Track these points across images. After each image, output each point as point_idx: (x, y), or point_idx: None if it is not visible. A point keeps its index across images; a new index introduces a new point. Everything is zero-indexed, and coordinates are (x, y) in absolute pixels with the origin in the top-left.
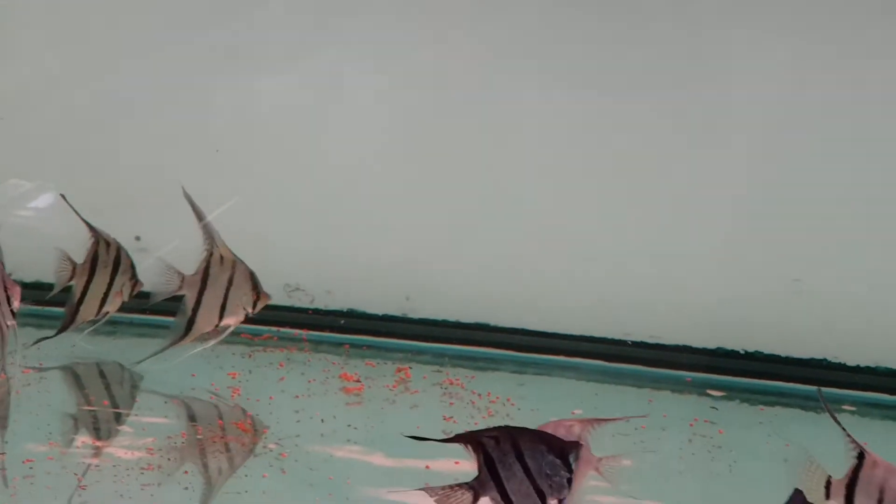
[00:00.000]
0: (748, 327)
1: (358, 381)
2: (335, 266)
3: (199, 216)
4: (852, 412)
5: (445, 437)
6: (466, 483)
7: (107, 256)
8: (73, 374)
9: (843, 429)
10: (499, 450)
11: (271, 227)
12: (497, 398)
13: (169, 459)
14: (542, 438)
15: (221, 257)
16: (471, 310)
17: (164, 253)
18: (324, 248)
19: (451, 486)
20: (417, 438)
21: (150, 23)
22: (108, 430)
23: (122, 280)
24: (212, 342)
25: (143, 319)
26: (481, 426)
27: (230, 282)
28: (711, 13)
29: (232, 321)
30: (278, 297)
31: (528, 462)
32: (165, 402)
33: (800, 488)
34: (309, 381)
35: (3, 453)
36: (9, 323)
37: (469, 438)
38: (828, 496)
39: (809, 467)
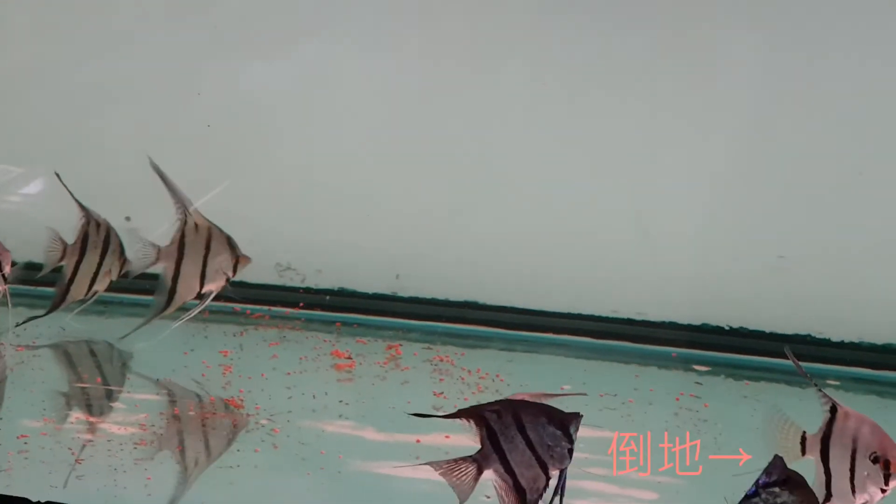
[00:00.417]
0: (733, 303)
1: (349, 358)
2: (326, 246)
3: (169, 186)
4: (836, 387)
5: (446, 413)
6: (470, 456)
7: (97, 237)
8: (65, 353)
9: (815, 384)
10: (501, 423)
11: (262, 208)
12: (486, 374)
13: (161, 435)
14: (542, 411)
15: (196, 225)
16: (460, 288)
17: (156, 236)
18: (314, 229)
19: (455, 460)
20: (421, 415)
21: (139, 8)
22: (101, 406)
23: (111, 260)
24: (198, 310)
25: (132, 299)
26: (472, 402)
27: (207, 248)
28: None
29: (214, 287)
30: (270, 277)
31: (529, 434)
32: (158, 380)
33: (778, 453)
34: (301, 359)
35: None
36: (1, 287)
37: (471, 413)
38: (804, 452)
39: (783, 425)
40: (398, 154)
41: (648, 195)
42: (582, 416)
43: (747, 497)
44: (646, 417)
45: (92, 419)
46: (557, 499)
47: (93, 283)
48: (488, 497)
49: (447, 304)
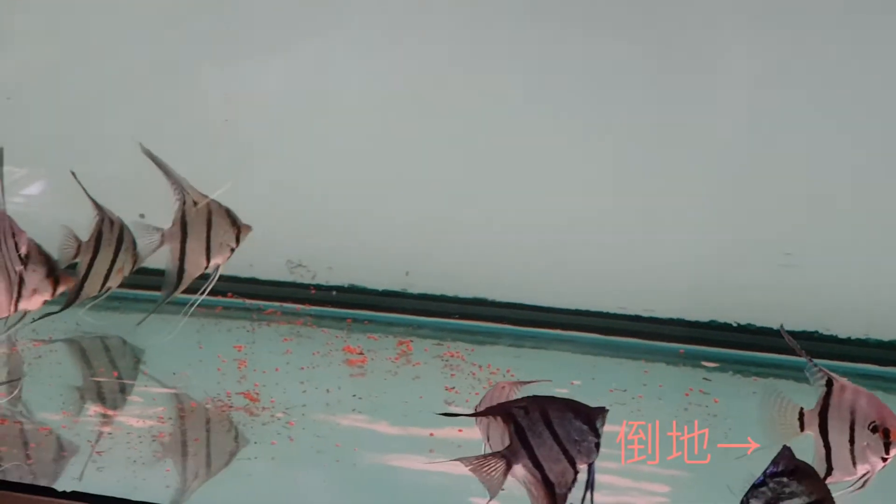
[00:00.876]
0: (741, 300)
1: (361, 353)
2: (336, 243)
3: (163, 169)
4: None
5: (473, 411)
6: (499, 452)
7: (111, 234)
8: (80, 348)
9: (810, 359)
10: (528, 419)
11: (273, 205)
12: (497, 370)
13: (179, 428)
14: (569, 406)
15: (196, 203)
16: (469, 285)
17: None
18: (325, 226)
19: (484, 456)
20: (449, 415)
21: (149, 7)
22: (119, 400)
23: (125, 257)
24: (210, 284)
25: (146, 295)
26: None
27: (208, 223)
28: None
29: (220, 260)
30: (281, 274)
31: (556, 429)
32: (174, 374)
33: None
34: (313, 354)
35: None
36: (17, 268)
37: (499, 410)
38: (802, 428)
39: (780, 402)
40: (408, 150)
41: (656, 191)
42: (608, 410)
43: (755, 487)
44: (656, 412)
45: (111, 412)
46: (589, 493)
47: (106, 280)
48: None
49: (457, 300)
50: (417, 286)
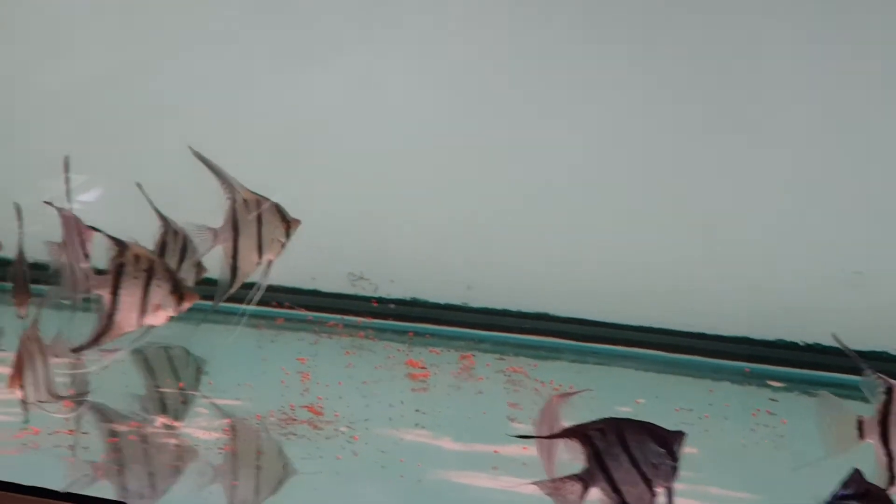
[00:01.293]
0: (807, 319)
1: (423, 367)
2: (398, 255)
3: (213, 169)
4: None
5: (548, 433)
6: (576, 475)
7: (175, 245)
8: (144, 358)
9: (868, 368)
10: (605, 441)
11: (335, 217)
12: (560, 386)
13: (245, 441)
14: (645, 429)
15: (245, 200)
16: (531, 299)
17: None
18: (387, 238)
19: (561, 479)
20: (524, 437)
21: (197, 20)
22: (185, 411)
23: (188, 267)
24: (265, 281)
25: (206, 305)
26: None
27: (258, 220)
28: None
29: (272, 255)
30: (343, 286)
31: (633, 452)
32: (238, 385)
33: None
34: (375, 368)
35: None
36: (83, 265)
37: (576, 432)
38: (862, 436)
39: (837, 411)
40: (471, 163)
41: (720, 209)
42: (686, 434)
43: None
44: (723, 433)
45: (177, 423)
46: None
47: None
48: None
49: (518, 315)
50: (479, 300)
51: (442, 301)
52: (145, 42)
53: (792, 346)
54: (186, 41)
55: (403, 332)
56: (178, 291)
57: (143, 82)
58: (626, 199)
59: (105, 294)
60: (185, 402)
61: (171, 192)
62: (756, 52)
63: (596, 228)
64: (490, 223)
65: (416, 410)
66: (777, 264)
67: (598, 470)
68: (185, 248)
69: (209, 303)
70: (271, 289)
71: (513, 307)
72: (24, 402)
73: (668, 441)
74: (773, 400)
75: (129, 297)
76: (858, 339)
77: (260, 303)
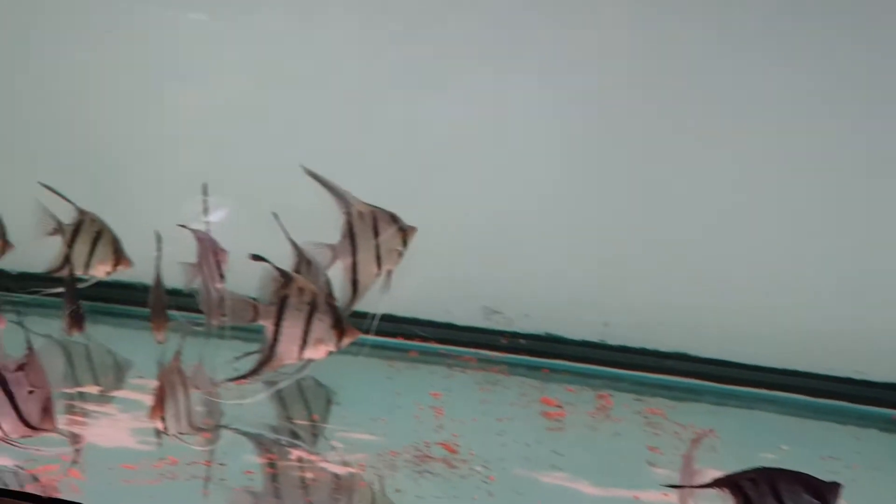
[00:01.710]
0: None
1: (559, 406)
2: (534, 290)
3: (326, 185)
4: None
5: (694, 481)
6: None
7: (307, 276)
8: (277, 389)
9: None
10: (757, 491)
11: (470, 249)
12: (699, 430)
13: (381, 476)
14: (799, 479)
15: (361, 213)
16: (669, 339)
17: None
18: (522, 272)
19: None
20: (675, 486)
21: (318, 45)
22: (321, 444)
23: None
24: (386, 291)
25: None
26: None
27: (375, 231)
28: None
29: (391, 265)
30: (477, 320)
31: (786, 503)
32: (372, 420)
33: None
34: (510, 405)
35: (209, 462)
36: (218, 286)
37: (727, 482)
38: None
39: None
40: (606, 196)
41: (867, 246)
42: (842, 486)
43: None
44: (875, 485)
45: (313, 456)
46: None
47: None
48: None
49: (657, 354)
50: (616, 337)
51: (578, 337)
52: (272, 67)
53: None
54: (309, 66)
55: (538, 368)
56: (340, 326)
57: (269, 106)
58: (768, 241)
59: (269, 325)
60: (317, 434)
61: (301, 214)
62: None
63: (735, 269)
64: (628, 259)
65: (553, 451)
66: None
67: None
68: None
69: None
70: (404, 321)
71: (651, 346)
72: (163, 433)
73: (823, 493)
74: None
75: (292, 329)
76: None
77: (392, 334)
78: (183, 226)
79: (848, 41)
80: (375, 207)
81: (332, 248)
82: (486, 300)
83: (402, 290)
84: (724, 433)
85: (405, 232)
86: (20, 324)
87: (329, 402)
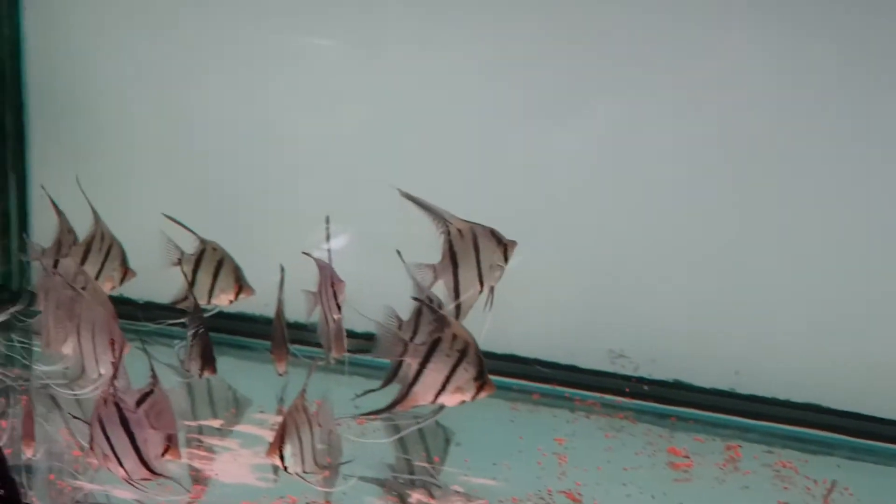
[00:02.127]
0: None
1: (686, 456)
2: (661, 335)
3: (422, 206)
4: None
5: None
6: None
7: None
8: (395, 428)
9: None
10: None
11: (595, 290)
12: (833, 486)
13: None
14: None
15: (460, 231)
16: (802, 389)
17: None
18: (650, 316)
19: None
20: None
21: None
22: (442, 489)
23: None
24: (489, 306)
25: None
26: None
27: (476, 248)
28: None
29: (493, 282)
30: (602, 363)
31: None
32: (494, 464)
33: None
34: (636, 453)
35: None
36: (336, 316)
37: None
38: None
39: None
40: (742, 240)
41: None
42: None
43: None
44: None
45: (433, 501)
46: None
47: None
48: None
49: (788, 405)
50: (746, 387)
51: (707, 385)
52: (399, 99)
53: None
54: (433, 96)
55: (665, 415)
56: (482, 380)
57: (395, 138)
58: None
59: (414, 364)
60: (438, 476)
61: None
62: None
63: (876, 320)
64: (760, 307)
65: (679, 503)
66: None
67: None
68: (440, 316)
69: None
70: (527, 361)
71: (782, 396)
72: (281, 470)
73: None
74: None
75: (436, 372)
76: None
77: (516, 375)
78: (307, 254)
79: None
80: (474, 224)
81: (433, 267)
82: (611, 343)
83: (525, 330)
84: (858, 490)
85: (506, 247)
86: (146, 351)
87: (449, 443)
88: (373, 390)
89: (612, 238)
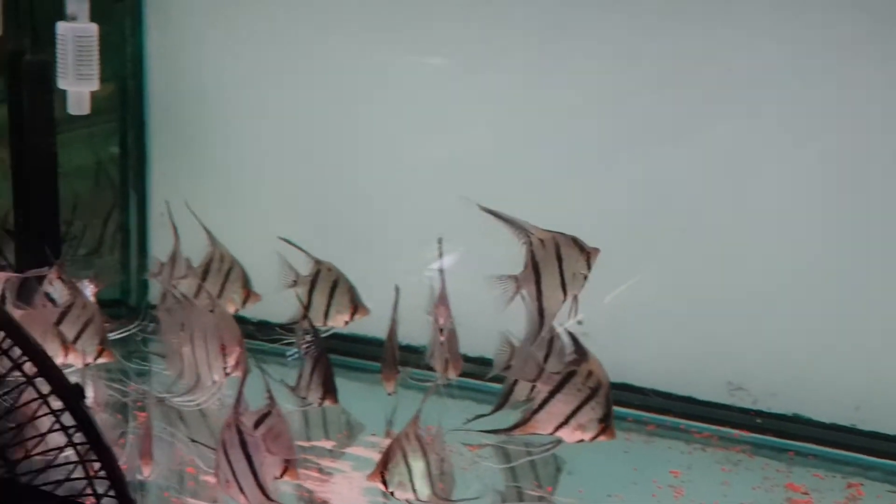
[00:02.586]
0: None
1: (805, 493)
2: (781, 367)
3: (504, 219)
4: None
5: None
6: None
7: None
8: (506, 454)
9: None
10: None
11: (715, 320)
12: None
13: None
14: None
15: (542, 241)
16: None
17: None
18: (770, 349)
19: None
20: None
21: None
22: None
23: (555, 364)
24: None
25: None
26: None
27: (559, 257)
28: None
29: (576, 290)
30: (719, 395)
31: None
32: (608, 496)
33: None
34: (753, 488)
35: None
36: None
37: None
38: None
39: None
40: (872, 268)
41: None
42: None
43: None
44: None
45: None
46: None
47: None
48: None
49: None
50: (869, 422)
51: (827, 420)
52: (511, 119)
53: None
54: (546, 119)
55: (783, 450)
56: (606, 423)
57: (506, 158)
58: None
59: (544, 391)
60: None
61: None
62: None
63: None
64: (884, 338)
65: None
66: None
67: None
68: (552, 342)
69: None
70: (642, 391)
71: None
72: (391, 496)
73: None
74: None
75: (563, 405)
76: None
77: (630, 405)
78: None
79: None
80: (556, 233)
81: (515, 278)
82: (729, 375)
83: (640, 358)
84: None
85: (589, 254)
86: (263, 371)
87: (560, 472)
88: (483, 415)
89: (733, 265)
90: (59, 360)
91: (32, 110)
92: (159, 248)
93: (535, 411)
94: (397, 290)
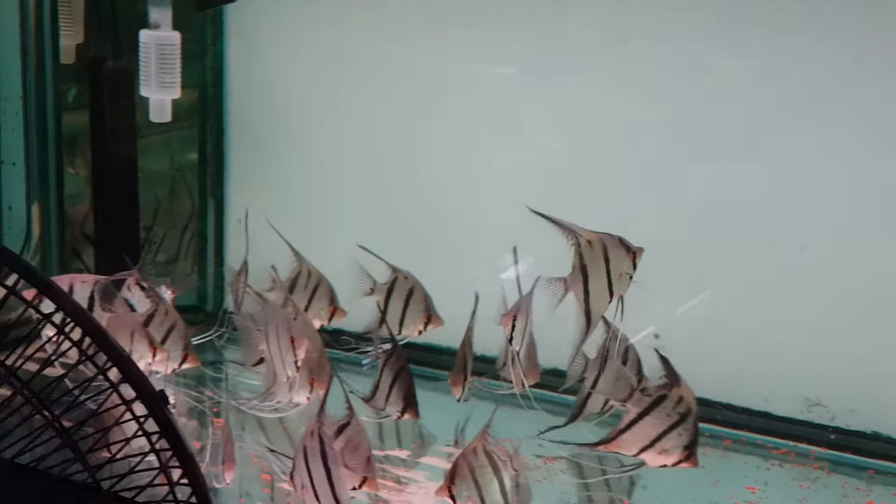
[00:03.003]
0: None
1: None
2: (860, 383)
3: (554, 221)
4: None
5: None
6: None
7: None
8: (578, 466)
9: None
10: None
11: (793, 335)
12: None
13: None
14: None
15: (589, 242)
16: None
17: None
18: (849, 364)
19: None
20: None
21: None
22: None
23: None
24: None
25: None
26: None
27: (605, 258)
28: None
29: (622, 291)
30: (797, 411)
31: None
32: None
33: None
34: None
35: None
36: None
37: None
38: None
39: None
40: None
41: None
42: None
43: None
44: None
45: None
46: None
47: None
48: None
49: None
50: None
51: None
52: (579, 129)
53: None
54: (613, 130)
55: (863, 468)
56: (691, 451)
57: (576, 169)
58: None
59: (634, 411)
60: None
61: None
62: None
63: None
64: None
65: None
66: None
67: None
68: (627, 354)
69: None
70: (718, 406)
71: None
72: None
73: None
74: None
75: (650, 428)
76: None
77: (707, 420)
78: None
79: None
80: (603, 234)
81: (563, 280)
82: (807, 390)
83: (717, 372)
84: None
85: (634, 254)
86: (341, 381)
87: (635, 485)
88: (557, 426)
89: (810, 279)
90: (146, 361)
91: (113, 117)
92: (236, 255)
93: (622, 431)
94: (476, 296)
